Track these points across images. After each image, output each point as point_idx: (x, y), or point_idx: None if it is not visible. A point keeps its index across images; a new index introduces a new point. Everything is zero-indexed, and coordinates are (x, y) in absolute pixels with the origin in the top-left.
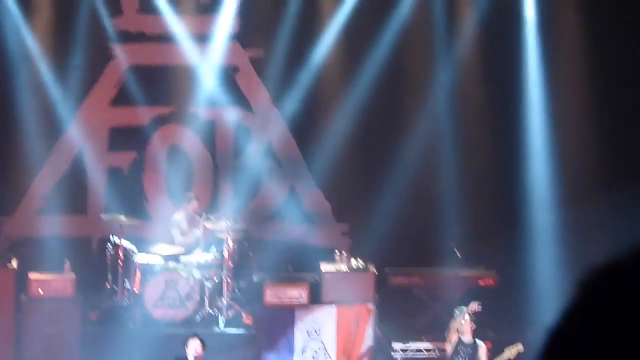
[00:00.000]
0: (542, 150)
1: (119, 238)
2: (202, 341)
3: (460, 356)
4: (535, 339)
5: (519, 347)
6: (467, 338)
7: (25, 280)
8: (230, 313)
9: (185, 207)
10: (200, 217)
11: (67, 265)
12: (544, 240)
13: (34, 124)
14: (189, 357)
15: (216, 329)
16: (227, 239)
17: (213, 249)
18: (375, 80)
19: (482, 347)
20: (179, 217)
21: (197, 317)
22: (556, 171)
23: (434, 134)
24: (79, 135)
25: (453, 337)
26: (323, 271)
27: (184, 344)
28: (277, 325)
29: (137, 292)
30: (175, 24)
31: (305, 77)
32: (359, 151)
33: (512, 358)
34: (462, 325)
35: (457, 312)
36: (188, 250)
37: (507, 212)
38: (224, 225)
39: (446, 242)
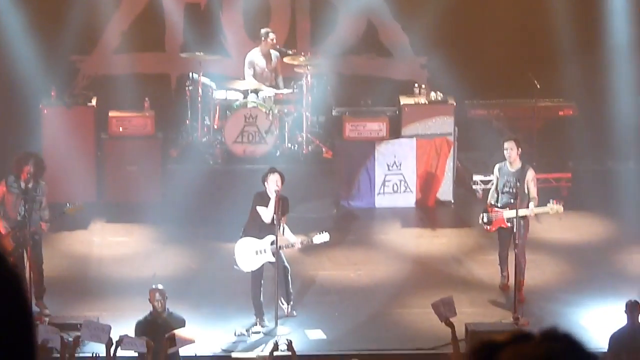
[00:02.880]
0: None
1: (198, 75)
2: (281, 175)
3: (507, 186)
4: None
5: (559, 209)
6: (514, 166)
7: (106, 119)
8: (310, 147)
9: (262, 43)
10: (278, 52)
11: (146, 102)
12: (624, 67)
13: None
14: (269, 192)
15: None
16: (306, 73)
17: (292, 83)
18: None
19: (531, 172)
20: (253, 55)
21: (277, 152)
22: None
23: None
24: None
25: (494, 178)
26: (402, 104)
27: (264, 179)
28: (357, 158)
29: (216, 128)
30: None
31: None
32: None
33: (550, 213)
34: (506, 154)
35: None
36: (266, 86)
37: (586, 46)
38: (303, 60)
39: (525, 74)
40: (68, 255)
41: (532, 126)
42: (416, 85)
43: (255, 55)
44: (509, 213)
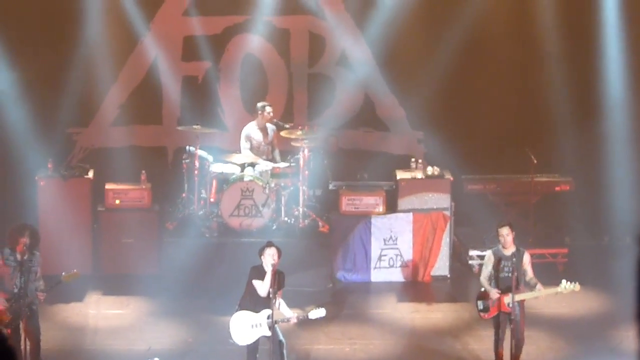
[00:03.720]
0: (617, 56)
1: (195, 148)
2: (278, 249)
3: (505, 271)
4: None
5: (575, 287)
6: (509, 250)
7: (102, 191)
8: (307, 221)
9: (258, 116)
10: (275, 125)
11: (143, 175)
12: (620, 145)
13: (108, 35)
14: (265, 266)
15: (291, 237)
16: (303, 147)
17: (289, 157)
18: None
19: (527, 255)
20: (250, 128)
21: (273, 226)
22: (631, 76)
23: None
24: (154, 46)
25: (489, 263)
26: (399, 178)
27: (260, 252)
28: (353, 232)
29: (213, 201)
30: None
31: None
32: (433, 58)
33: (563, 293)
34: (501, 240)
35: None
36: (263, 159)
37: (583, 118)
38: (299, 134)
39: (522, 149)
40: (64, 327)
41: (528, 201)
42: (413, 159)
43: (252, 129)
44: (510, 298)
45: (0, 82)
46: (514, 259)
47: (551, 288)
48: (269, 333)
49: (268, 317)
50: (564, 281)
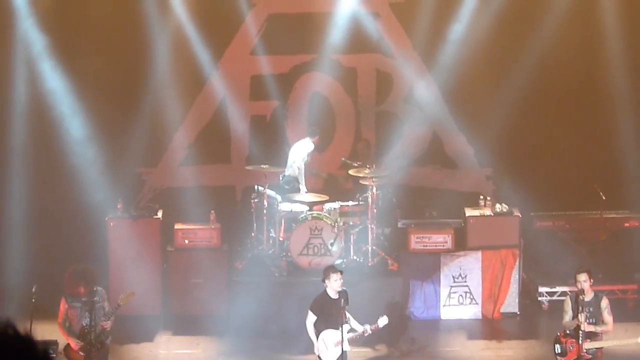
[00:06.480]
0: None
1: (264, 187)
2: (341, 272)
3: (584, 314)
4: None
5: None
6: (588, 296)
7: (171, 231)
8: (376, 259)
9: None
10: (344, 164)
11: (212, 215)
12: None
13: (176, 76)
14: (329, 290)
15: (360, 275)
16: (371, 185)
17: (357, 196)
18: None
19: (605, 300)
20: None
21: (342, 264)
22: None
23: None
24: (221, 86)
25: (568, 309)
26: (467, 215)
27: (326, 276)
28: (422, 271)
29: (282, 240)
30: None
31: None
32: (501, 94)
33: None
34: (579, 286)
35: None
36: (332, 198)
37: None
38: (368, 172)
39: (591, 186)
40: None
41: (597, 238)
42: (481, 197)
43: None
44: (589, 344)
45: (72, 124)
46: (593, 305)
47: (631, 339)
48: (349, 348)
49: (349, 332)
50: None
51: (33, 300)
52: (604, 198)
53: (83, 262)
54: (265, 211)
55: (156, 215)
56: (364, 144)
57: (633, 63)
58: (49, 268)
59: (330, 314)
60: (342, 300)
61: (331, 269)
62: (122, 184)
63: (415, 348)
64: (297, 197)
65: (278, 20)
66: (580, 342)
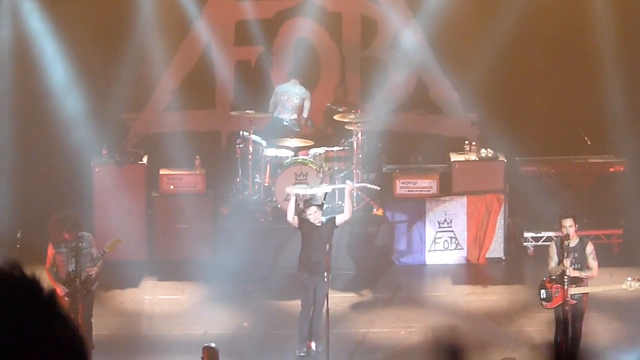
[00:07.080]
0: None
1: (249, 132)
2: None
3: (570, 259)
4: None
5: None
6: (573, 241)
7: (157, 176)
8: (361, 205)
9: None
10: (329, 109)
11: (197, 160)
12: None
13: (161, 21)
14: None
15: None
16: (356, 130)
17: (342, 141)
18: None
19: (590, 245)
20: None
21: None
22: None
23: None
24: (206, 31)
25: (554, 255)
26: (453, 161)
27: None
28: (407, 216)
29: (267, 185)
30: None
31: None
32: (486, 39)
33: (628, 290)
34: (564, 231)
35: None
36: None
37: (637, 98)
38: (353, 117)
39: (576, 131)
40: (119, 314)
41: (582, 182)
42: (466, 142)
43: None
44: (575, 290)
45: (55, 71)
46: (578, 250)
47: (616, 285)
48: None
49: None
50: (629, 278)
51: (18, 246)
52: (589, 143)
53: (68, 208)
54: (250, 156)
55: (141, 160)
56: (341, 89)
57: (619, 7)
58: (33, 214)
59: (311, 235)
60: (328, 245)
61: (308, 202)
62: (107, 130)
63: (400, 293)
64: (282, 142)
65: None
66: (565, 287)
